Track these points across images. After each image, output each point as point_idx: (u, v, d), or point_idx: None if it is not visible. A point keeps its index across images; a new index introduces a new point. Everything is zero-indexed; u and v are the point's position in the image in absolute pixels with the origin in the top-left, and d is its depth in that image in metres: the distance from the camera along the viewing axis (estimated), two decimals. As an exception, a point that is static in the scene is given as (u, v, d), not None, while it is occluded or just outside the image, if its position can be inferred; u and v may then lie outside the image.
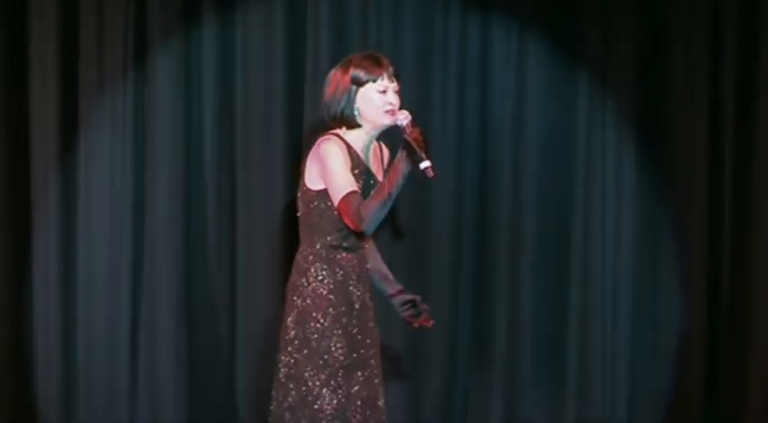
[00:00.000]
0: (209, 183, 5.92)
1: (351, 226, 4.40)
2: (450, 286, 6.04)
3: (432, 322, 4.66)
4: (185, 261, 5.88)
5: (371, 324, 4.58)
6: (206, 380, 5.92)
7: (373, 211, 4.34)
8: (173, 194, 5.87)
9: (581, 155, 6.10)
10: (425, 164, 4.22)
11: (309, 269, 4.49)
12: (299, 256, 4.53)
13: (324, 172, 4.42)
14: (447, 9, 6.03)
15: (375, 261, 4.71)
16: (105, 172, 5.85)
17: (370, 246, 4.72)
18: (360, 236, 4.46)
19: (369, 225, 4.37)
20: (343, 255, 4.49)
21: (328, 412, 4.42)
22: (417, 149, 4.23)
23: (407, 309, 4.67)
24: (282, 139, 5.86)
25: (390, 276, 4.72)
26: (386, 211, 4.35)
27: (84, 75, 5.84)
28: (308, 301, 4.46)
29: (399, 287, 4.70)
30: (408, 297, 4.66)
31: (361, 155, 4.51)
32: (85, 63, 5.83)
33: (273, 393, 4.50)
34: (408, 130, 4.31)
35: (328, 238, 4.48)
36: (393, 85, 4.49)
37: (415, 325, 4.67)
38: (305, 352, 4.44)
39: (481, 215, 6.05)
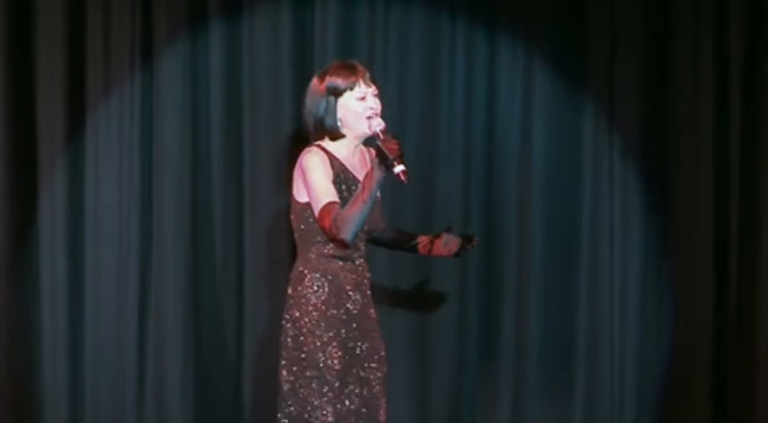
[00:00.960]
0: (216, 186, 5.93)
1: (330, 236, 4.41)
2: (458, 292, 6.03)
3: (475, 238, 4.76)
4: (192, 265, 5.89)
5: (372, 336, 4.57)
6: (213, 384, 5.93)
7: (350, 220, 4.34)
8: (180, 199, 5.87)
9: (588, 167, 6.09)
10: (399, 168, 4.24)
11: (304, 280, 4.50)
12: (295, 268, 4.56)
13: (305, 184, 4.43)
14: (453, 21, 6.03)
15: (397, 234, 4.79)
16: (113, 176, 5.86)
17: (383, 228, 4.73)
18: (343, 245, 4.46)
19: (347, 234, 4.38)
20: (338, 264, 4.50)
21: (326, 423, 4.43)
22: (388, 155, 4.24)
23: (447, 246, 4.73)
24: (289, 143, 5.86)
25: (417, 236, 4.80)
26: (363, 218, 4.36)
27: (91, 77, 5.86)
28: (303, 313, 4.47)
29: (425, 237, 4.78)
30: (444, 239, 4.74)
31: (346, 163, 4.51)
32: (92, 65, 5.85)
33: (278, 405, 4.52)
34: (381, 136, 4.33)
35: (321, 248, 4.49)
36: (371, 90, 4.51)
37: (466, 250, 4.77)
38: (301, 364, 4.45)
39: (488, 228, 6.04)
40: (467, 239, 4.79)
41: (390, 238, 4.83)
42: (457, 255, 4.82)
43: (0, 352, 5.83)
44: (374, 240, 4.75)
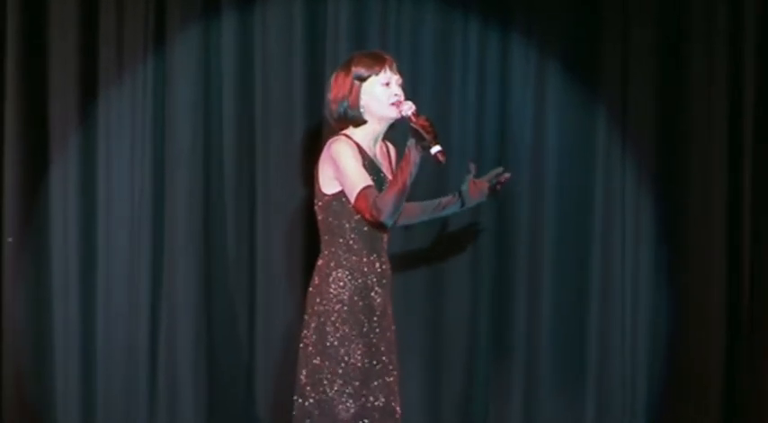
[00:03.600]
0: (228, 181, 5.94)
1: (370, 219, 4.37)
2: (470, 288, 6.05)
3: (507, 174, 4.66)
4: (204, 262, 5.91)
5: (390, 330, 4.56)
6: (225, 382, 5.94)
7: (390, 202, 4.31)
8: (192, 194, 5.89)
9: (600, 165, 6.12)
10: (435, 149, 4.20)
11: (331, 275, 4.45)
12: (320, 262, 4.50)
13: (337, 172, 4.40)
14: (466, 16, 6.03)
15: (420, 207, 4.71)
16: (125, 171, 5.88)
17: (412, 205, 4.69)
18: (383, 228, 4.43)
19: (387, 216, 4.34)
20: (365, 258, 4.47)
21: (346, 419, 4.41)
22: (425, 135, 4.22)
23: (484, 188, 4.66)
24: (302, 138, 5.89)
25: (443, 200, 4.71)
26: (403, 201, 4.33)
27: (103, 70, 5.87)
28: (330, 308, 4.44)
29: (455, 194, 4.69)
30: (469, 184, 4.65)
31: (370, 152, 4.49)
32: (105, 58, 5.86)
33: (294, 398, 4.49)
34: (414, 119, 4.29)
35: (350, 243, 4.45)
36: (396, 78, 4.48)
37: (498, 188, 4.68)
38: (324, 358, 4.42)
39: (500, 225, 6.07)
40: (495, 178, 4.67)
41: (417, 212, 4.73)
42: (493, 194, 4.72)
43: (12, 351, 5.84)
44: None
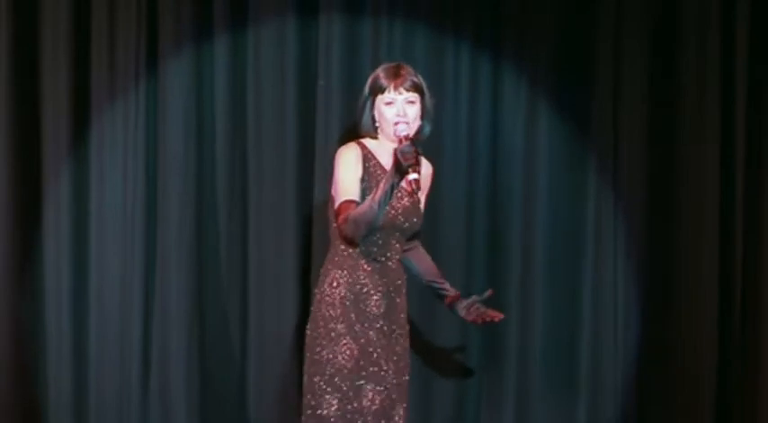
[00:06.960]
0: (221, 196, 5.93)
1: (340, 234, 4.44)
2: (462, 295, 6.06)
3: (500, 315, 4.75)
4: (197, 271, 5.90)
5: (391, 338, 4.57)
6: (217, 387, 5.92)
7: (357, 220, 4.39)
8: (184, 207, 5.87)
9: (592, 181, 6.14)
10: (413, 176, 4.26)
11: (330, 275, 4.53)
12: (325, 263, 4.59)
13: (333, 177, 4.47)
14: (458, 40, 6.07)
15: (428, 269, 4.78)
16: (117, 184, 5.87)
17: (419, 254, 4.73)
18: (351, 244, 4.48)
19: (352, 232, 4.42)
20: (363, 263, 4.51)
21: (332, 419, 4.44)
22: (403, 162, 4.25)
23: (473, 311, 4.70)
24: (293, 154, 5.90)
25: (446, 285, 4.79)
26: (371, 219, 4.38)
27: (95, 87, 5.88)
28: (322, 307, 4.50)
29: (456, 292, 4.77)
30: (470, 302, 4.74)
31: (382, 162, 4.53)
32: (97, 74, 5.86)
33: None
34: (401, 144, 4.35)
35: (348, 246, 4.51)
36: (402, 97, 4.53)
37: (486, 320, 4.75)
38: (315, 357, 4.49)
39: (493, 227, 6.08)
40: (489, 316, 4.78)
41: (420, 269, 4.82)
42: (475, 323, 4.83)
43: (5, 356, 5.82)
44: (405, 264, 4.75)
